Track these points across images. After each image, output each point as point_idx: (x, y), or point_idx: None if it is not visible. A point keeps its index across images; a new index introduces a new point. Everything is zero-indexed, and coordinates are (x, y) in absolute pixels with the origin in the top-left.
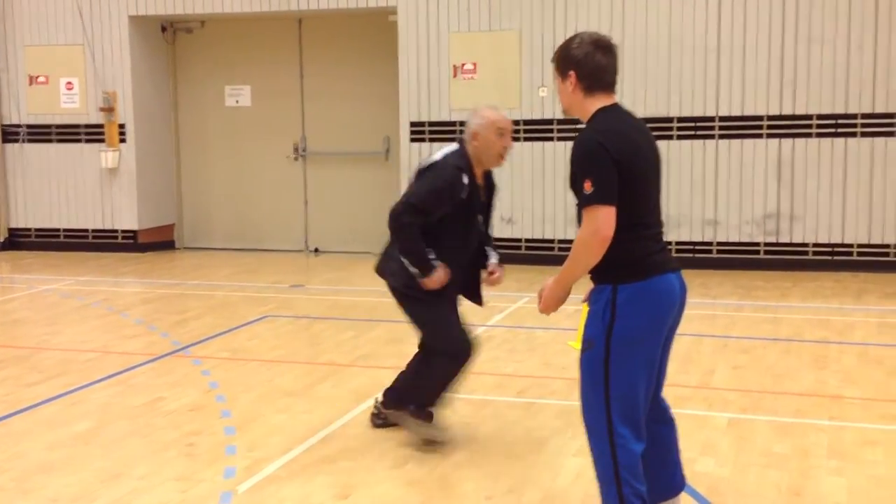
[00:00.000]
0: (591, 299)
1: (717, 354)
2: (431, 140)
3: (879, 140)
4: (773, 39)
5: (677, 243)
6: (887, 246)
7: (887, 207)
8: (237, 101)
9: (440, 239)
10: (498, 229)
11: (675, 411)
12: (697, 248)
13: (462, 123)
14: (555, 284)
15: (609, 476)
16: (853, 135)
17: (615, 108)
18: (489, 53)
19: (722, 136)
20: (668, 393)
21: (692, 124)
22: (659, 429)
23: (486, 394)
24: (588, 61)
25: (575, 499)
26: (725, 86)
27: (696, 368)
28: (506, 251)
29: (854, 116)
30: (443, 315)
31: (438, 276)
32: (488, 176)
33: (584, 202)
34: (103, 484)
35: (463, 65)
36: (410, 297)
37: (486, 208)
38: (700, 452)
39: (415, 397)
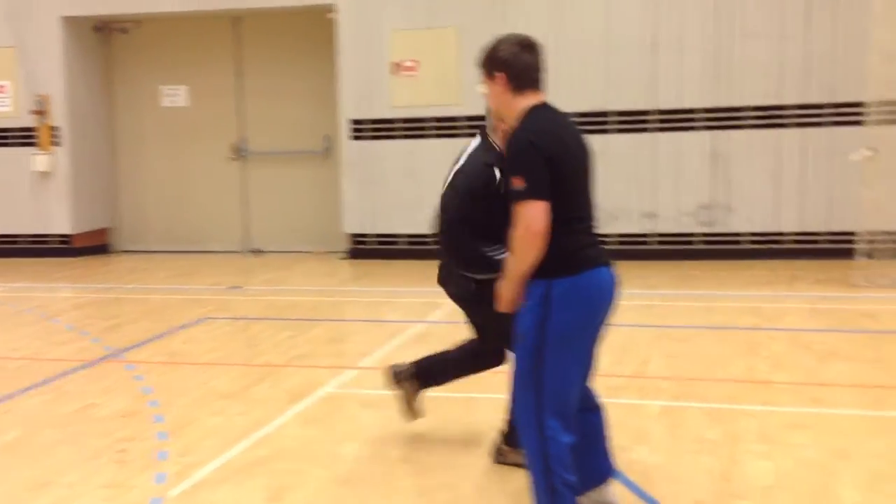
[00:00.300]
0: (525, 294)
1: (652, 344)
2: (372, 138)
3: (810, 130)
4: (707, 33)
5: (617, 235)
6: (818, 234)
7: (818, 196)
8: (173, 102)
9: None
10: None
11: (610, 401)
12: (636, 239)
13: (404, 121)
14: (506, 283)
15: (540, 468)
16: (785, 125)
17: (545, 107)
18: (429, 50)
19: (659, 129)
20: (604, 383)
21: (629, 118)
22: (587, 417)
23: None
24: (516, 61)
25: (508, 492)
26: (662, 79)
27: (632, 358)
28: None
29: (786, 108)
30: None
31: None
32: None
33: (514, 198)
34: (30, 493)
35: (403, 62)
36: (474, 301)
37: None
38: (633, 440)
39: (437, 376)
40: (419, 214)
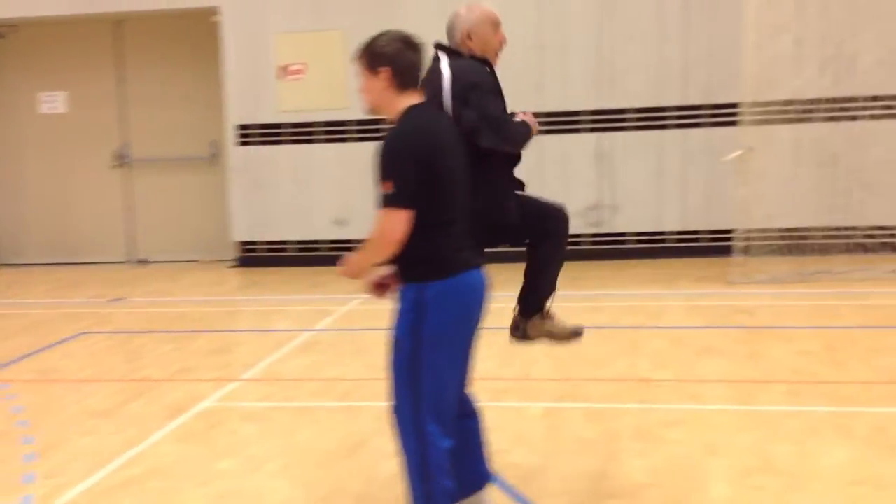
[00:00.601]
0: (398, 298)
1: (538, 345)
2: (260, 143)
3: (690, 131)
4: (591, 36)
5: None
6: (698, 232)
7: (698, 195)
8: (52, 108)
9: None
10: (331, 231)
11: (493, 404)
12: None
13: (292, 125)
14: (354, 259)
15: (418, 474)
16: (666, 127)
17: (424, 106)
18: (316, 54)
19: (545, 131)
20: (488, 387)
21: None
22: (464, 423)
23: (308, 400)
24: (402, 58)
25: (388, 500)
26: (548, 81)
27: (518, 361)
28: (340, 253)
29: (666, 109)
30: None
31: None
32: None
33: (383, 202)
34: None
35: (290, 66)
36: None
37: None
38: (513, 444)
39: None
40: (309, 220)
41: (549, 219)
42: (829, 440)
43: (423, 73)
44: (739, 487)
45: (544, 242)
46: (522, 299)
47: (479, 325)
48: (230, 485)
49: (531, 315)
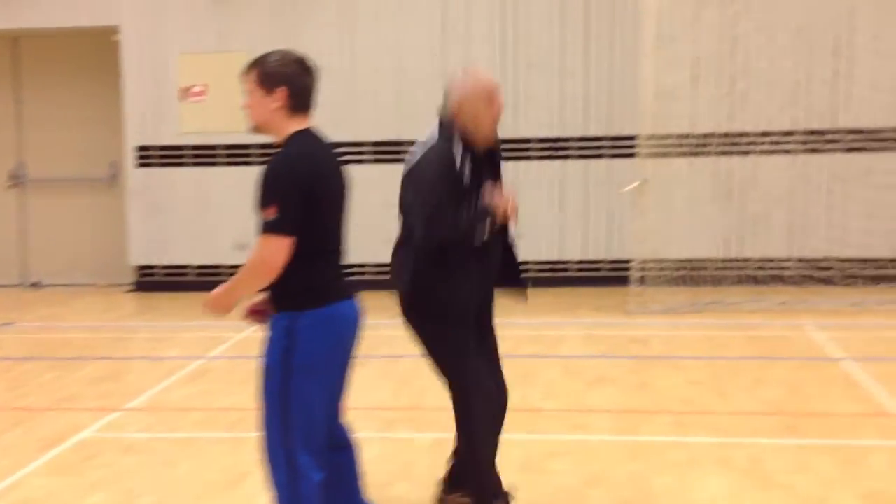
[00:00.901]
0: (270, 326)
1: (434, 375)
2: (161, 165)
3: (592, 161)
4: (495, 65)
5: None
6: (600, 262)
7: (600, 225)
8: None
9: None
10: (233, 256)
11: (382, 435)
12: None
13: (195, 147)
14: (223, 293)
15: None
16: (569, 157)
17: (311, 132)
18: (219, 75)
19: None
20: (379, 416)
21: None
22: (338, 454)
23: (192, 431)
24: (298, 80)
25: None
26: None
27: (411, 390)
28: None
29: (569, 140)
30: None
31: (499, 199)
32: (492, 154)
33: (264, 228)
34: None
35: (192, 87)
36: (430, 316)
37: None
38: (397, 476)
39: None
40: (210, 244)
41: (504, 390)
42: (708, 471)
43: (315, 97)
44: None
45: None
46: (454, 471)
47: (353, 355)
48: None
49: (457, 490)
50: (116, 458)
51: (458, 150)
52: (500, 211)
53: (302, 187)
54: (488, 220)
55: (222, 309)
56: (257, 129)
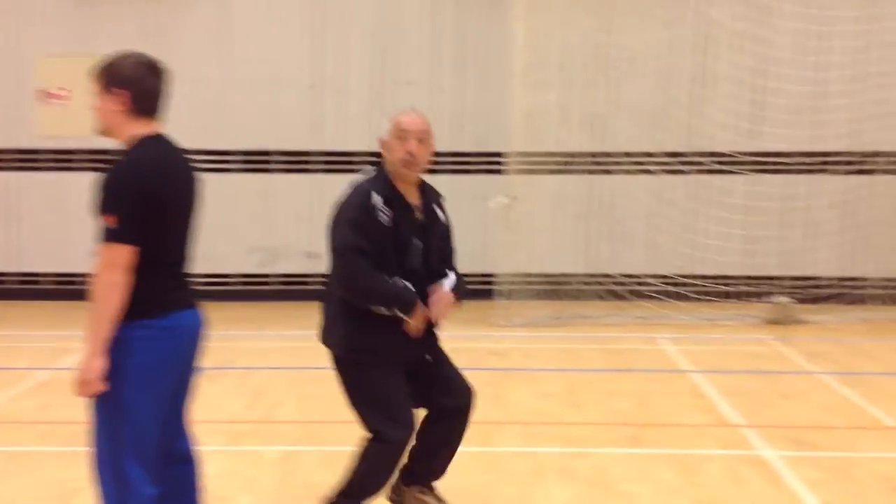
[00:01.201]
0: None
1: (290, 387)
2: (16, 169)
3: (462, 177)
4: (369, 78)
5: (280, 276)
6: (469, 275)
7: (470, 240)
8: None
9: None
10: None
11: (229, 449)
12: (299, 279)
13: (52, 152)
14: (91, 357)
15: None
16: (439, 171)
17: (159, 138)
18: (82, 79)
19: (323, 171)
20: (228, 430)
21: (293, 158)
22: (177, 469)
23: (27, 445)
24: (143, 83)
25: None
26: (328, 121)
27: (264, 402)
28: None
29: (441, 154)
30: (388, 391)
31: (421, 310)
32: (428, 200)
33: (105, 237)
34: None
35: (52, 90)
36: (358, 365)
37: (435, 239)
38: (241, 489)
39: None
40: (67, 252)
41: (463, 394)
42: (553, 481)
43: (165, 100)
44: None
45: (454, 418)
46: (411, 467)
47: (194, 366)
48: None
49: (413, 485)
50: None
51: (379, 189)
52: (413, 328)
53: (144, 195)
54: (399, 311)
55: (98, 378)
56: (103, 132)
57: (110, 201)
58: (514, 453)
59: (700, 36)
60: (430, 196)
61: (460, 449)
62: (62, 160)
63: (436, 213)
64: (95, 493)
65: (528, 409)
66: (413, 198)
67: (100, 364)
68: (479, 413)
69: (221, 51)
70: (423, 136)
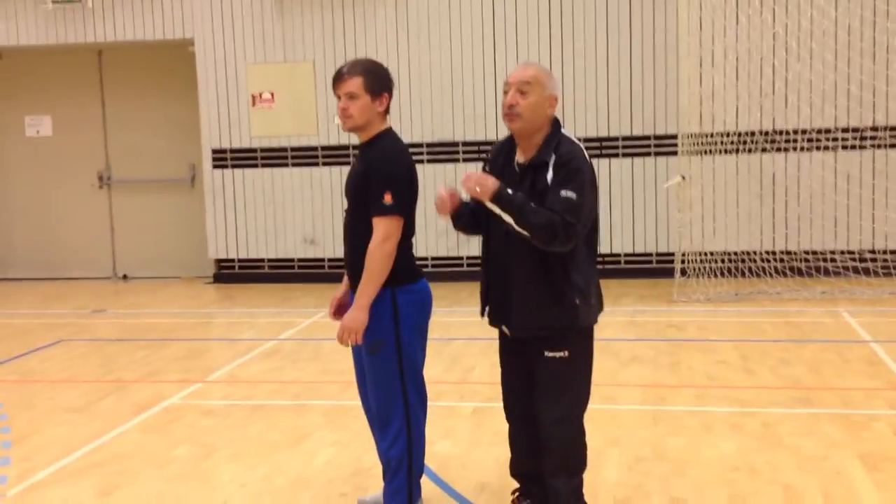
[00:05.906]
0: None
1: (480, 355)
2: (234, 167)
3: (636, 160)
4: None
5: (470, 257)
6: (649, 254)
7: (643, 220)
8: (38, 132)
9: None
10: (299, 251)
11: (433, 404)
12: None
13: (264, 150)
14: (360, 311)
15: (402, 453)
16: (621, 155)
17: (393, 131)
18: (285, 83)
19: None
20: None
21: (474, 147)
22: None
23: (262, 399)
24: (393, 88)
25: (320, 482)
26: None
27: (459, 367)
28: (310, 270)
29: (616, 139)
30: None
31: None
32: (542, 159)
33: (380, 211)
34: None
35: (261, 94)
36: (588, 343)
37: (533, 197)
38: (441, 436)
39: None
40: (280, 239)
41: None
42: (720, 435)
43: None
44: (629, 472)
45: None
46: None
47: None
48: (182, 468)
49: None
50: (197, 420)
51: (499, 144)
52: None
53: (406, 175)
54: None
55: (363, 327)
56: (354, 129)
57: (385, 180)
58: (686, 412)
59: (868, 10)
60: (543, 154)
61: (636, 406)
62: (273, 157)
63: (538, 173)
64: (381, 435)
65: (702, 375)
66: (527, 153)
67: (365, 318)
68: (655, 377)
69: (406, 50)
70: (524, 87)
